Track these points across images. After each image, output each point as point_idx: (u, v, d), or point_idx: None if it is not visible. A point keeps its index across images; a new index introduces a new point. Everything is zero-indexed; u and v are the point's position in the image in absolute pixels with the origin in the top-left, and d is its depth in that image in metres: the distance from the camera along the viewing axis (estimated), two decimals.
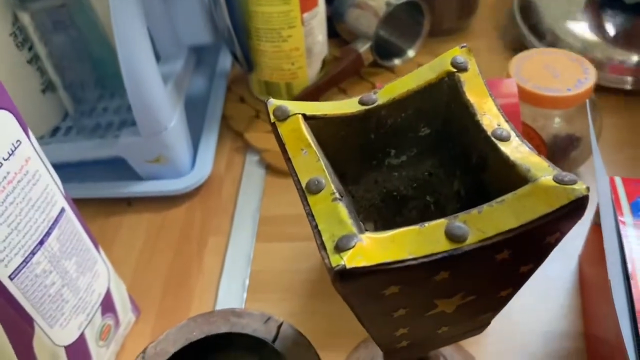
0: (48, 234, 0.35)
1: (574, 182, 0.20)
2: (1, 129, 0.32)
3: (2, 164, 0.31)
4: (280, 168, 0.55)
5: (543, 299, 0.43)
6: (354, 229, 0.20)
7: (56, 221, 0.36)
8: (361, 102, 0.26)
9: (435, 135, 0.27)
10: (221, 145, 0.59)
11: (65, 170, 0.44)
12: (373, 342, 0.41)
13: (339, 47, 0.64)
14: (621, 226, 0.35)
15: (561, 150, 0.48)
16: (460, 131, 0.25)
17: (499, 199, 0.21)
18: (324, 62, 0.61)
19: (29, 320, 0.35)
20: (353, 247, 0.19)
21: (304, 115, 0.24)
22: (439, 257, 0.20)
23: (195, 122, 0.59)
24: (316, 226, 0.21)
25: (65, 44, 0.55)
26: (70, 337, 0.38)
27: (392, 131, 0.27)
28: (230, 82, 0.64)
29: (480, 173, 0.25)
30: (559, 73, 0.45)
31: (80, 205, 0.41)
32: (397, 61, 0.64)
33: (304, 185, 0.22)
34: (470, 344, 0.41)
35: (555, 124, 0.46)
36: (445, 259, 0.20)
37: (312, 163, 0.23)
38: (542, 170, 0.21)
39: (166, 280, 0.48)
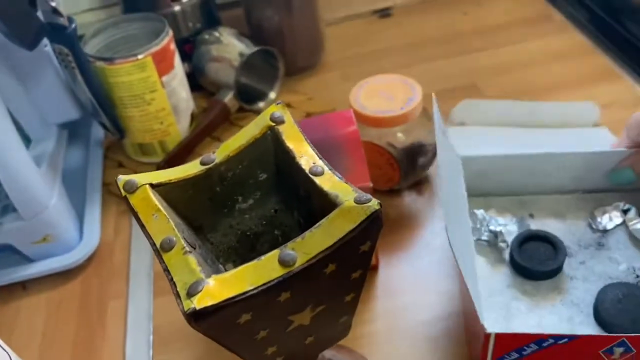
0: None
1: (369, 201, 0.25)
2: None
3: None
4: None
5: (426, 289, 0.49)
6: (202, 275, 0.24)
7: None
8: (202, 163, 0.30)
9: (273, 178, 0.32)
10: (106, 212, 0.61)
11: None
12: None
13: (206, 98, 0.69)
14: None
15: (410, 159, 0.54)
16: (288, 172, 0.30)
17: (316, 225, 0.26)
18: (193, 116, 0.65)
19: None
20: (201, 290, 0.24)
21: (151, 185, 0.28)
22: (275, 282, 0.25)
23: (77, 194, 0.61)
24: (171, 279, 0.25)
25: None
26: None
27: (235, 182, 0.31)
28: (106, 150, 0.67)
29: (309, 204, 0.29)
30: (392, 95, 0.52)
31: None
32: (261, 104, 0.69)
33: (158, 245, 0.26)
34: (363, 343, 0.46)
35: (399, 138, 0.53)
36: (281, 282, 0.25)
37: (163, 225, 0.27)
38: (347, 194, 0.26)
39: (72, 354, 0.50)
